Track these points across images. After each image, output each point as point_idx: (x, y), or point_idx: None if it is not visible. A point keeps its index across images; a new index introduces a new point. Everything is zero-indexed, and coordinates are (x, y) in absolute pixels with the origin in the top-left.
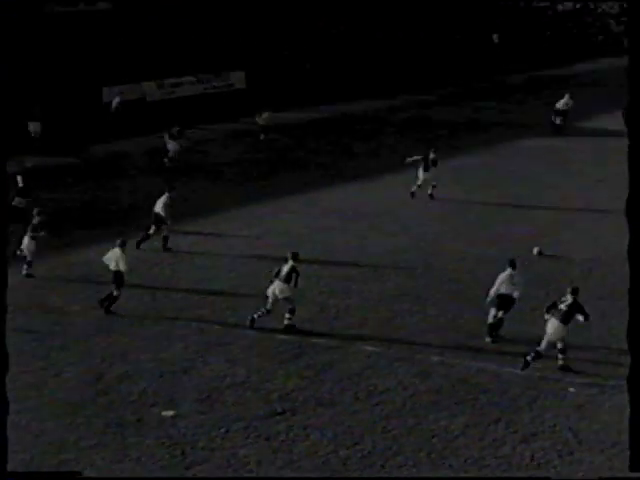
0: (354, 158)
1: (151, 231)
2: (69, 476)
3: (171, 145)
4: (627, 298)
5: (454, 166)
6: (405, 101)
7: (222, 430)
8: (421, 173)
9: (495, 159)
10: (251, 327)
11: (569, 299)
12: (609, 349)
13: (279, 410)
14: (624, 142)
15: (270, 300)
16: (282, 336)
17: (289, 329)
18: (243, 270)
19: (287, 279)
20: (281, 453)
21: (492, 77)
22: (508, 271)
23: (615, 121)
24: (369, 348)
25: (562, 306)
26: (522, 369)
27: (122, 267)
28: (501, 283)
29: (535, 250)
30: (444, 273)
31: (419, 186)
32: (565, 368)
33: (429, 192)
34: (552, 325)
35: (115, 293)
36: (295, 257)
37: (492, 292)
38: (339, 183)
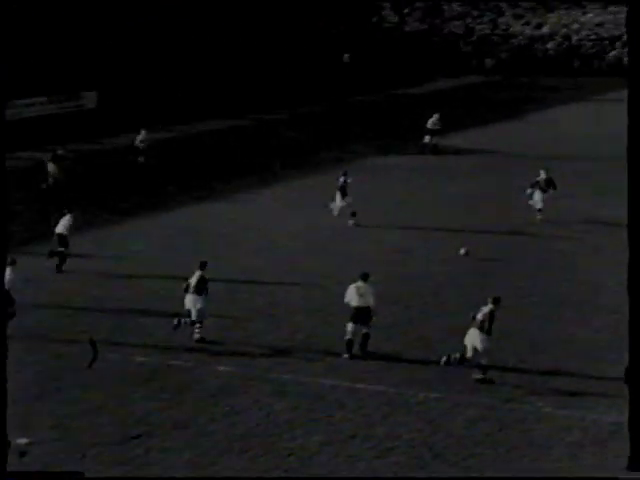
0: (208, 177)
1: (64, 250)
2: (69, 476)
3: (51, 167)
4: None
5: (310, 185)
6: (255, 120)
7: (77, 456)
8: (339, 199)
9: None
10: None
11: (487, 308)
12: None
13: (135, 434)
14: (473, 159)
15: (192, 311)
16: (139, 358)
17: (201, 341)
18: (94, 293)
19: (198, 290)
20: (137, 477)
21: (342, 97)
22: (358, 283)
23: (465, 139)
24: (224, 368)
25: (479, 315)
26: (445, 364)
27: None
28: (351, 296)
29: (462, 250)
30: (298, 291)
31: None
32: (482, 381)
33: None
34: (472, 334)
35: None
36: (203, 266)
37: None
38: (193, 203)
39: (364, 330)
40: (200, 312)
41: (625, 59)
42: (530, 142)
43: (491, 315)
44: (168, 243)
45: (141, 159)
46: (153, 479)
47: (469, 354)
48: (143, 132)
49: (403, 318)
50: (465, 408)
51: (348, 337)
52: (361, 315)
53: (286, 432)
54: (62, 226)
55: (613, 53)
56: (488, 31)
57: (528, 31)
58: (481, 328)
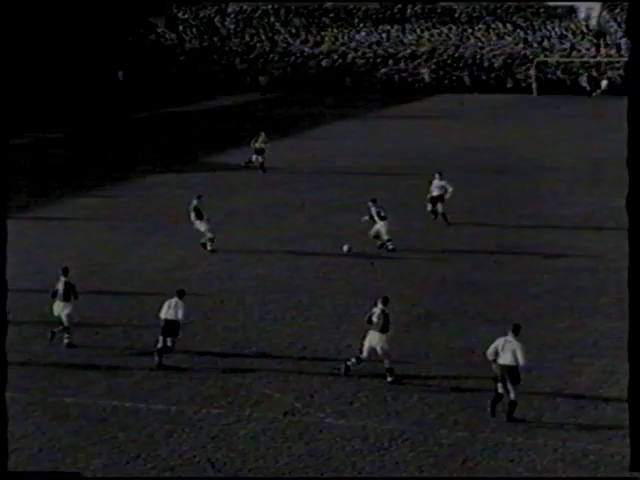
0: None
1: None
2: (69, 476)
3: None
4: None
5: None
6: (31, 139)
7: None
8: (199, 224)
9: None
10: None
11: (378, 310)
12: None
13: None
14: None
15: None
16: None
17: (70, 346)
18: None
19: (66, 296)
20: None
21: (118, 114)
22: (174, 298)
23: (241, 157)
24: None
25: (374, 317)
26: (345, 373)
27: None
28: (167, 309)
29: (345, 248)
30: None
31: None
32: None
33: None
34: (372, 337)
35: None
36: (66, 273)
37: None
38: None
39: (168, 341)
40: (69, 317)
41: (396, 76)
42: (305, 158)
43: (385, 315)
44: None
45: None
46: (154, 479)
47: (364, 354)
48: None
49: (185, 333)
50: (247, 422)
51: (159, 346)
52: (170, 328)
53: (69, 456)
54: None
55: (384, 70)
56: (267, 49)
57: (306, 49)
58: (380, 330)
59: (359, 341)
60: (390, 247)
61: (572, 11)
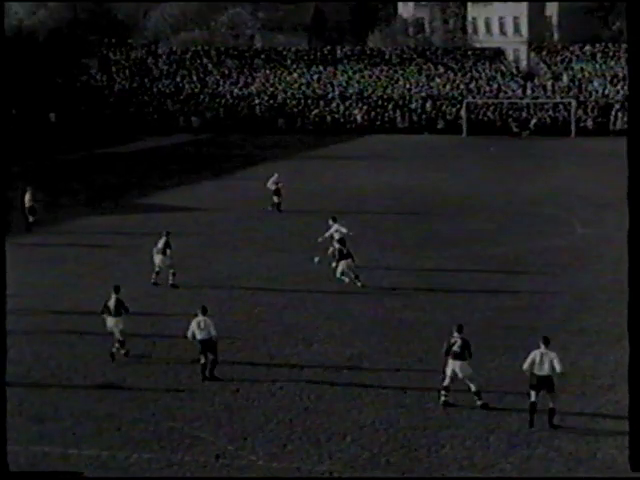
0: None
1: None
2: (69, 476)
3: None
4: None
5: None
6: None
7: None
8: (158, 258)
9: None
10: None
11: (458, 339)
12: None
13: None
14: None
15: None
16: None
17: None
18: None
19: (117, 313)
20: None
21: (48, 155)
22: (199, 317)
23: (172, 197)
24: None
25: (455, 347)
26: (444, 405)
27: None
28: (199, 330)
29: (316, 259)
30: None
31: (157, 273)
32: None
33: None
34: (454, 365)
35: None
36: (117, 290)
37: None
38: None
39: (211, 356)
40: (122, 332)
41: (328, 118)
42: (240, 198)
43: (465, 342)
44: None
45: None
46: (155, 479)
47: (447, 382)
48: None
49: (114, 379)
50: (179, 467)
51: (202, 362)
52: (207, 346)
53: None
54: None
55: (315, 111)
56: (196, 90)
57: (236, 90)
58: (464, 357)
59: (290, 383)
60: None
61: (500, 53)
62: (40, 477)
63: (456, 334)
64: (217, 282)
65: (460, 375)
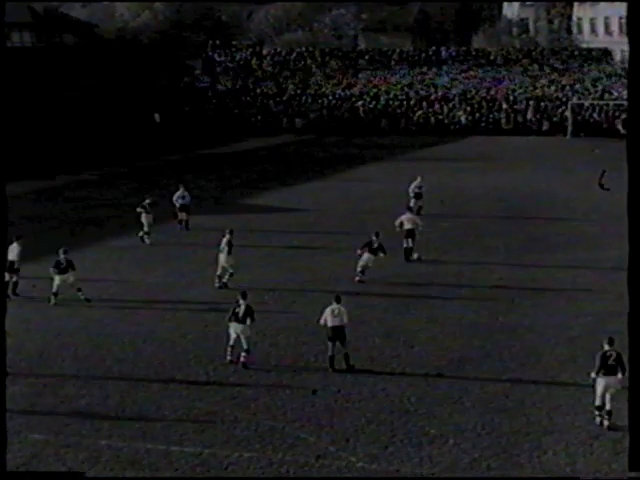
0: None
1: (14, 279)
2: (69, 476)
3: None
4: None
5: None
6: (66, 181)
7: None
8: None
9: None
10: None
11: (613, 352)
12: None
13: None
14: (285, 218)
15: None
16: None
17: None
18: None
19: (244, 320)
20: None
21: (154, 156)
22: (333, 305)
23: (276, 198)
24: (36, 436)
25: (611, 361)
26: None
27: None
28: (332, 317)
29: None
30: (110, 357)
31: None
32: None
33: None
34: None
35: None
36: (244, 296)
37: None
38: None
39: (344, 350)
40: (248, 339)
41: (432, 119)
42: (341, 199)
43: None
44: None
45: None
46: (152, 479)
47: (598, 402)
48: None
49: (216, 377)
50: (279, 466)
51: (330, 354)
52: (338, 334)
53: None
54: (12, 254)
55: (419, 113)
56: (299, 91)
57: (339, 91)
58: (620, 372)
59: (392, 385)
60: (358, 278)
61: (607, 54)
62: (40, 477)
63: (607, 347)
64: (318, 283)
65: (611, 390)
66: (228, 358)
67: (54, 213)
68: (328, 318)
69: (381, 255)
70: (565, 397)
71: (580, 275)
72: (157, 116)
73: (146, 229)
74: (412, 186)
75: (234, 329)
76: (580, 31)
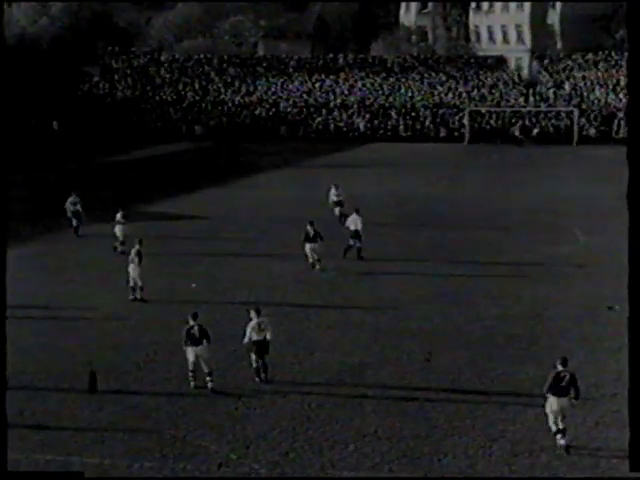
0: None
1: None
2: (69, 476)
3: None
4: None
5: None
6: None
7: None
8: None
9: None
10: None
11: (566, 373)
12: None
13: None
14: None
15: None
16: None
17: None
18: None
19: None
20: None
21: (54, 165)
22: (259, 319)
23: (173, 206)
24: None
25: (564, 382)
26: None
27: None
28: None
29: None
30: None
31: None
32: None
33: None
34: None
35: None
36: (195, 317)
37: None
38: None
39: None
40: (208, 361)
41: (331, 125)
42: (242, 206)
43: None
44: None
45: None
46: (155, 479)
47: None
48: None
49: (117, 386)
50: (182, 476)
51: (255, 366)
52: (263, 348)
53: None
54: None
55: (318, 119)
56: (198, 98)
57: (238, 98)
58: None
59: (292, 391)
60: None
61: (503, 61)
62: (40, 477)
63: (560, 367)
64: (219, 291)
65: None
66: (192, 384)
67: None
68: (254, 333)
69: (319, 242)
70: (464, 400)
71: (480, 280)
72: (55, 124)
73: (121, 239)
74: (330, 195)
75: (191, 352)
76: (478, 39)
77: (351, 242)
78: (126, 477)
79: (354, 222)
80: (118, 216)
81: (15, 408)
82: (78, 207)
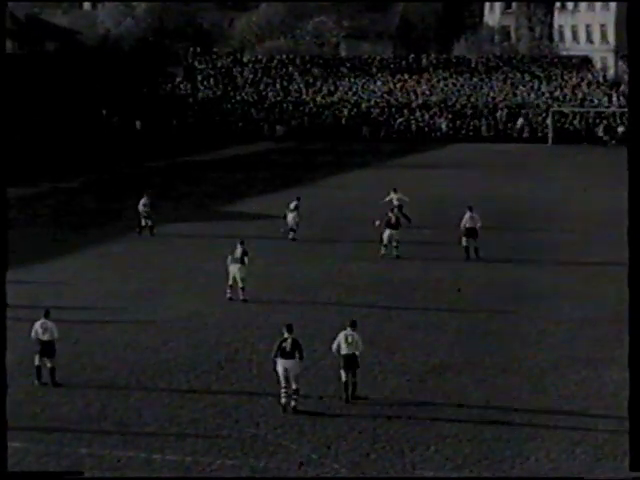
0: None
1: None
2: (69, 476)
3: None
4: None
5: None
6: (48, 188)
7: None
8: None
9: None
10: None
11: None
12: None
13: None
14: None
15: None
16: None
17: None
18: None
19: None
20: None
21: (135, 163)
22: (347, 331)
23: (257, 204)
24: (17, 445)
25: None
26: None
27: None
28: (343, 343)
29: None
30: (89, 361)
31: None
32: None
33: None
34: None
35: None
36: (291, 330)
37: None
38: None
39: (353, 379)
40: (298, 377)
41: (413, 126)
42: (322, 206)
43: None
44: None
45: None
46: (154, 479)
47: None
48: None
49: (198, 385)
50: (262, 474)
51: (344, 380)
52: (351, 363)
53: None
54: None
55: (400, 120)
56: (280, 98)
57: (319, 98)
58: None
59: (374, 392)
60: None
61: (588, 61)
62: (40, 477)
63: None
64: (300, 291)
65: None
66: (284, 401)
67: (36, 220)
68: (342, 345)
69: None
70: (547, 403)
71: (562, 281)
72: (138, 123)
73: (292, 227)
74: (389, 198)
75: (281, 366)
76: (562, 39)
77: (464, 242)
78: (208, 474)
79: (468, 220)
80: (291, 205)
81: (97, 405)
82: (148, 208)
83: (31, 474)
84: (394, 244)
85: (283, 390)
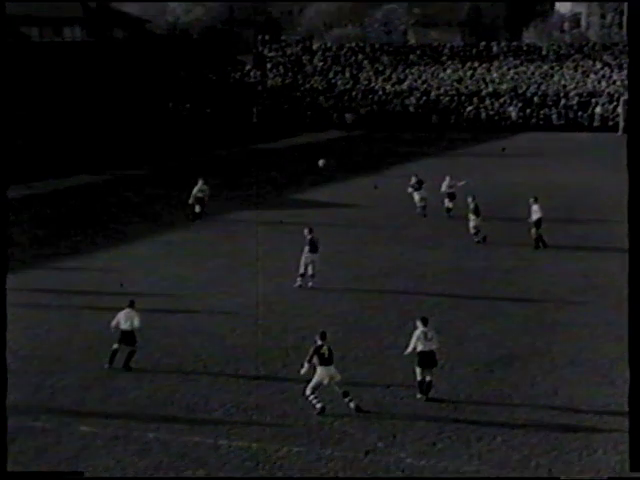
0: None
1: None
2: (69, 476)
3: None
4: None
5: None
6: (117, 176)
7: None
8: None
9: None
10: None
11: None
12: None
13: None
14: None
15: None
16: None
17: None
18: None
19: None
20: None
21: (205, 151)
22: (424, 328)
23: (324, 194)
24: (85, 429)
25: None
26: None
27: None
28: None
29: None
30: (159, 348)
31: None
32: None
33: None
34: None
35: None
36: (324, 337)
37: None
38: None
39: (428, 378)
40: (340, 384)
41: (482, 114)
42: (391, 195)
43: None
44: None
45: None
46: (158, 479)
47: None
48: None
49: (265, 371)
50: (327, 461)
51: (419, 379)
52: (430, 360)
53: None
54: None
55: (470, 108)
56: (349, 86)
57: (388, 86)
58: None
59: (440, 381)
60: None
61: None
62: (40, 477)
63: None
64: (367, 279)
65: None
66: (318, 406)
67: (104, 207)
68: (419, 343)
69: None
70: (615, 396)
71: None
72: (208, 111)
73: (420, 204)
74: (444, 186)
75: (324, 373)
76: None
77: (534, 233)
78: (274, 461)
79: (535, 212)
80: (413, 180)
81: (165, 391)
82: (201, 195)
83: (31, 474)
84: (473, 231)
85: (314, 397)
